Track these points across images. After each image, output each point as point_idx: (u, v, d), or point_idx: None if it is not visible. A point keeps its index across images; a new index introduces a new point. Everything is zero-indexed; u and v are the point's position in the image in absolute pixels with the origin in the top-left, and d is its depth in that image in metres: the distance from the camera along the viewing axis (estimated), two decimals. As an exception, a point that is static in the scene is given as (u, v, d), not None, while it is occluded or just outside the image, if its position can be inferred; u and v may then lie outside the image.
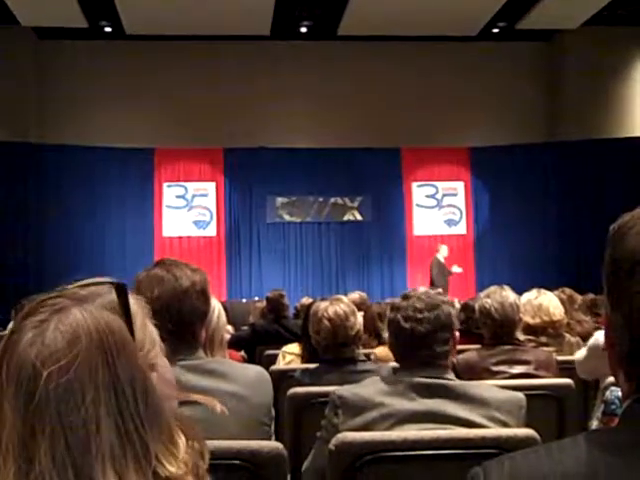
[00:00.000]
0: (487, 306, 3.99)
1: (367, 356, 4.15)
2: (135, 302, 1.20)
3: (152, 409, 1.07)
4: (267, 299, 7.48)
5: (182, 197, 15.83)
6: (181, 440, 1.10)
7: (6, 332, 1.08)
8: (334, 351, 3.70)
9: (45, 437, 0.99)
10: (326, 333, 3.69)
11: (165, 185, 15.76)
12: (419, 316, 2.62)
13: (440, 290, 2.83)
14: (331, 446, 2.38)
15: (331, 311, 3.71)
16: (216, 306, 3.00)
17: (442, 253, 14.47)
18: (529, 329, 4.53)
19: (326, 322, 3.69)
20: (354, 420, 2.53)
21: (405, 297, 2.72)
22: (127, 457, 1.02)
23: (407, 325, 2.62)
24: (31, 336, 1.03)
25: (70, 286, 1.15)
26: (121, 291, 1.16)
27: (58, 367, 1.01)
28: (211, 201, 15.86)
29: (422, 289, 2.78)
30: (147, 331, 1.24)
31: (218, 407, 1.28)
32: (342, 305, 3.75)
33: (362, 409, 2.53)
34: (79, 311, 1.07)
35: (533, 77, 16.08)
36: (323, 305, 3.79)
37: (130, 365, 1.07)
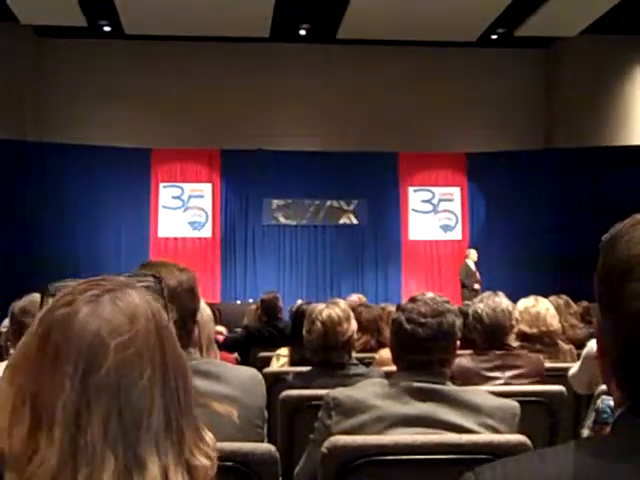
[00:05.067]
0: (479, 311, 4.01)
1: (361, 360, 4.15)
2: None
3: (187, 400, 1.09)
4: (261, 301, 7.48)
5: (178, 198, 15.81)
6: (207, 435, 1.11)
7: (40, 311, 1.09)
8: (323, 354, 3.70)
9: (100, 408, 1.00)
10: (317, 335, 3.69)
11: (161, 185, 15.74)
12: (422, 320, 2.63)
13: (446, 298, 2.82)
14: (323, 449, 2.38)
15: (325, 314, 3.70)
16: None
17: (472, 257, 14.39)
18: (525, 337, 4.54)
19: (319, 324, 3.69)
20: (347, 422, 2.54)
21: (412, 300, 2.73)
22: (168, 442, 1.04)
23: (409, 327, 2.63)
24: (88, 310, 1.05)
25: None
26: (160, 283, 1.18)
27: (123, 340, 1.02)
28: (207, 202, 15.85)
29: (430, 294, 2.77)
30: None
31: (235, 415, 1.28)
32: (337, 309, 3.75)
33: (355, 411, 2.54)
34: (133, 292, 1.09)
35: (531, 84, 16.10)
36: (319, 307, 3.80)
37: (175, 353, 1.09)
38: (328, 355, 3.69)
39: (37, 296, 3.73)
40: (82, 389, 1.00)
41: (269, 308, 7.20)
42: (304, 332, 3.79)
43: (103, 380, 1.00)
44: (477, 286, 13.83)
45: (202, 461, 1.08)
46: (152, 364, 1.04)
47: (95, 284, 1.10)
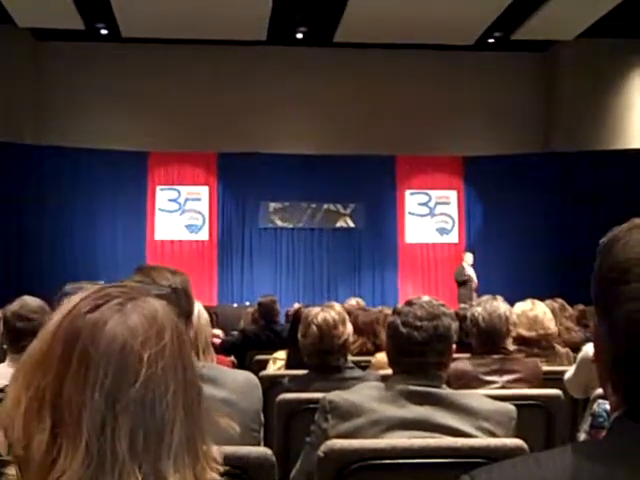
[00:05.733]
0: (476, 315, 4.02)
1: (358, 364, 4.15)
2: None
3: (201, 414, 1.08)
4: (259, 304, 7.48)
5: (175, 201, 15.81)
6: (214, 449, 1.11)
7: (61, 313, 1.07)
8: (319, 358, 3.70)
9: (128, 421, 0.99)
10: (313, 339, 3.68)
11: (158, 188, 15.74)
12: (418, 324, 2.62)
13: (442, 302, 2.81)
14: (320, 453, 2.38)
15: (321, 317, 3.70)
16: (196, 306, 2.99)
17: (467, 261, 14.42)
18: (523, 341, 4.54)
19: (314, 328, 3.68)
20: (343, 425, 2.53)
21: (408, 303, 2.73)
22: (186, 458, 1.03)
23: (404, 330, 2.63)
24: (117, 319, 1.03)
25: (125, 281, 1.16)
26: (176, 292, 1.18)
27: (153, 353, 1.01)
28: (204, 205, 15.85)
29: (426, 298, 2.77)
30: None
31: (236, 428, 1.28)
32: (333, 313, 3.74)
33: (351, 414, 2.53)
34: (155, 301, 1.08)
35: (529, 87, 16.12)
36: (314, 311, 3.79)
37: (193, 367, 1.09)
38: (324, 358, 3.68)
39: (30, 299, 3.72)
40: (110, 400, 0.99)
41: (267, 311, 7.19)
42: (299, 336, 3.79)
43: (133, 393, 0.99)
44: (473, 281, 13.97)
45: (213, 476, 1.07)
46: (176, 379, 1.03)
47: (118, 291, 1.08)
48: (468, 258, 14.47)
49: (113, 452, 0.97)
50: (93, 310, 1.04)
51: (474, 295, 13.43)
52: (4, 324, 3.65)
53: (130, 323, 1.03)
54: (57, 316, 1.06)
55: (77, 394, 0.99)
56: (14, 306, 3.65)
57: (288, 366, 4.62)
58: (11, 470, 1.03)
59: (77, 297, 1.08)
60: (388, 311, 5.49)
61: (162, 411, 1.01)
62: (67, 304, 1.07)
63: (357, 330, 5.68)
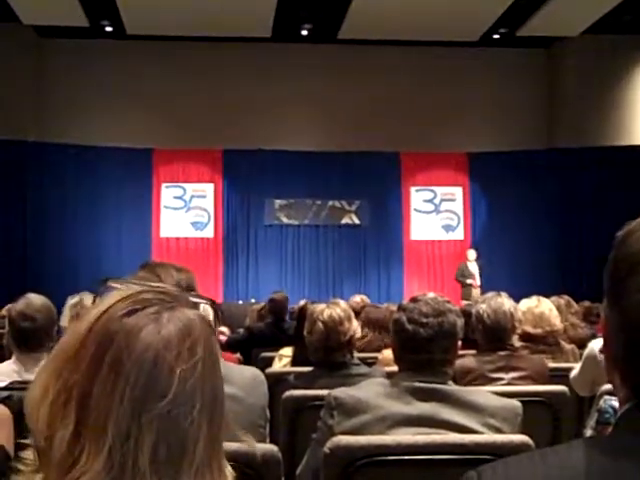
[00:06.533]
0: (481, 312, 4.01)
1: (364, 360, 4.15)
2: None
3: (222, 432, 1.08)
4: (271, 300, 7.44)
5: (180, 198, 15.82)
6: (228, 467, 1.11)
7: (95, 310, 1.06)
8: (324, 354, 3.70)
9: (152, 432, 0.98)
10: (319, 335, 3.69)
11: (163, 186, 15.75)
12: (423, 320, 2.62)
13: (447, 298, 2.81)
14: (326, 449, 2.38)
15: (326, 314, 3.71)
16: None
17: (468, 257, 14.42)
18: (528, 337, 4.54)
19: (320, 324, 3.69)
20: (349, 422, 2.53)
21: (414, 300, 2.72)
22: (206, 474, 1.03)
23: (410, 327, 2.63)
24: (152, 328, 1.03)
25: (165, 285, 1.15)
26: (214, 305, 1.17)
27: (186, 368, 1.01)
28: (209, 202, 15.85)
29: (431, 294, 2.77)
30: None
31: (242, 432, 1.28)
32: (338, 310, 3.75)
33: (357, 411, 2.53)
34: (193, 314, 1.08)
35: (533, 84, 16.09)
36: (320, 307, 3.80)
37: (222, 385, 1.08)
38: (330, 355, 3.69)
39: (34, 297, 3.72)
40: (137, 411, 0.98)
41: (278, 308, 7.17)
42: (305, 332, 3.79)
43: (161, 407, 0.99)
44: (469, 281, 14.01)
45: None
46: (203, 396, 1.03)
47: (156, 297, 1.07)
48: (471, 255, 14.45)
49: (135, 462, 0.97)
50: (129, 314, 1.04)
51: (472, 292, 13.45)
52: (9, 323, 3.65)
53: (165, 334, 1.03)
54: (92, 313, 1.06)
55: (105, 398, 0.99)
56: (19, 305, 3.64)
57: (294, 363, 4.63)
58: (29, 454, 1.03)
59: (114, 297, 1.07)
60: (395, 308, 5.52)
61: (187, 427, 1.00)
62: (103, 303, 1.07)
63: (369, 325, 5.72)
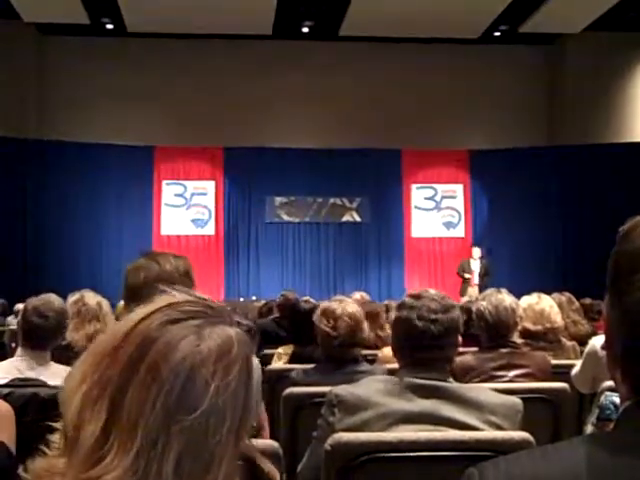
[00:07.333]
0: (482, 309, 4.01)
1: (366, 357, 4.15)
2: None
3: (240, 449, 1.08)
4: (283, 296, 7.46)
5: (181, 195, 15.82)
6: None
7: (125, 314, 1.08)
8: (345, 350, 3.70)
9: (179, 443, 0.98)
10: (345, 330, 3.68)
11: (164, 183, 15.75)
12: (433, 317, 2.60)
13: (445, 294, 2.80)
14: (327, 446, 2.38)
15: (350, 310, 3.73)
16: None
17: (472, 255, 14.44)
18: (529, 334, 4.54)
19: (347, 320, 3.69)
20: (350, 419, 2.53)
21: (417, 297, 2.68)
22: None
23: (420, 324, 2.60)
24: (193, 340, 1.03)
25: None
26: (254, 325, 1.17)
27: (219, 385, 1.01)
28: (210, 200, 15.85)
29: (432, 291, 2.74)
30: None
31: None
32: (355, 307, 3.80)
33: (358, 408, 2.53)
34: (233, 332, 1.08)
35: (534, 80, 16.09)
36: (335, 304, 3.79)
37: (251, 407, 1.08)
38: (346, 352, 3.70)
39: (54, 297, 3.73)
40: (168, 417, 0.99)
41: (289, 306, 7.16)
42: (325, 328, 3.74)
43: (191, 419, 0.99)
44: (467, 275, 14.05)
45: None
46: (233, 416, 1.03)
47: (201, 311, 1.08)
48: (475, 253, 14.45)
49: (159, 470, 0.97)
50: (173, 323, 1.05)
51: (469, 290, 13.46)
52: (22, 315, 3.68)
53: (203, 348, 1.03)
54: (137, 314, 1.07)
55: (138, 401, 0.99)
56: (36, 300, 3.67)
57: (294, 360, 4.62)
58: (56, 438, 1.04)
59: (161, 302, 1.08)
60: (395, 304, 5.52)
61: (214, 444, 1.00)
62: (149, 306, 1.08)
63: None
